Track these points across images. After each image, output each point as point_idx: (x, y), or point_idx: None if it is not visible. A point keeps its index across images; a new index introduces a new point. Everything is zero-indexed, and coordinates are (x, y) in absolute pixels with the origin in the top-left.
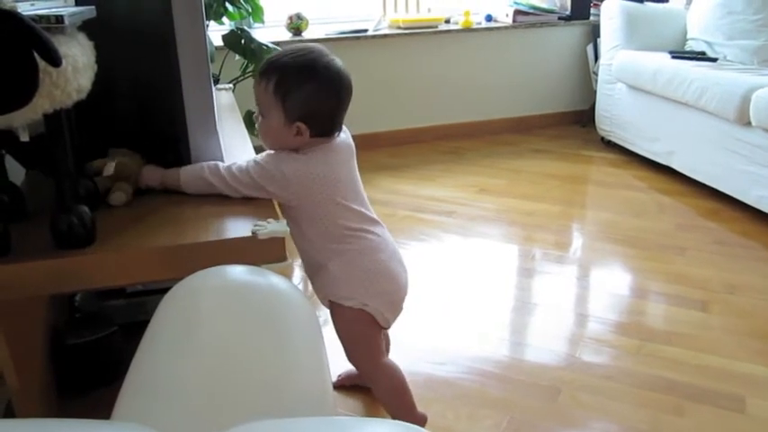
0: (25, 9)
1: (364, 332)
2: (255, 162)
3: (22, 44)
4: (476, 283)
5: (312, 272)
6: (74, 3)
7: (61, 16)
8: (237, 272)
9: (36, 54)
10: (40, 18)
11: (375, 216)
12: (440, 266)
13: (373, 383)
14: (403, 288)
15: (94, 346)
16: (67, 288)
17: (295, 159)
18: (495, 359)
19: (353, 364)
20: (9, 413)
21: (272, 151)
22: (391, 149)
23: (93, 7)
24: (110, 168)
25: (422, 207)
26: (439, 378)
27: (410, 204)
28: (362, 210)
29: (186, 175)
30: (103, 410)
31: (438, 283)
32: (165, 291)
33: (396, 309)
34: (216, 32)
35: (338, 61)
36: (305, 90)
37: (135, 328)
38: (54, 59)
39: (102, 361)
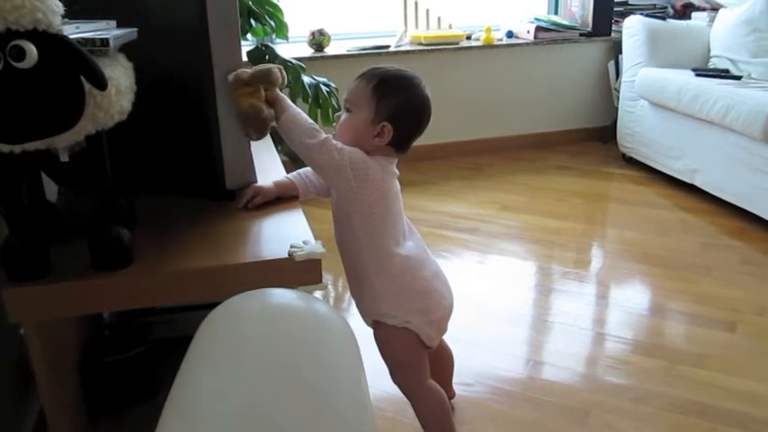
0: (70, 32)
1: (408, 352)
2: (344, 146)
3: (71, 68)
4: (501, 302)
5: (357, 288)
6: (115, 24)
7: (107, 39)
8: (279, 295)
9: (83, 78)
10: (86, 41)
11: (416, 231)
12: (463, 284)
13: (415, 405)
14: (446, 307)
15: (127, 364)
16: (105, 308)
17: (375, 160)
18: (523, 380)
19: (397, 384)
20: (38, 429)
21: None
22: (412, 165)
23: (135, 30)
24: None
25: (444, 224)
26: (467, 399)
27: (432, 221)
28: (405, 226)
29: (295, 113)
30: (135, 428)
31: (463, 301)
32: (195, 308)
33: (439, 328)
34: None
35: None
36: (399, 97)
37: (165, 345)
38: (101, 83)
39: (133, 378)
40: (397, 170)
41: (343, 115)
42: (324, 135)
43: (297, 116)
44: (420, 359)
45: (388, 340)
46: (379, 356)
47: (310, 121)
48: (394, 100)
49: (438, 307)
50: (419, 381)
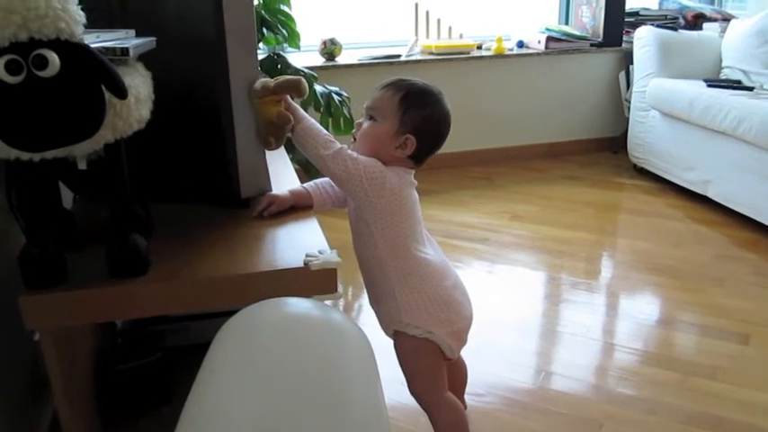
0: (91, 41)
1: (428, 363)
2: (358, 156)
3: (92, 77)
4: (512, 312)
5: (377, 298)
6: (134, 34)
7: (127, 49)
8: (295, 305)
9: (103, 86)
10: (107, 50)
11: (434, 240)
12: (474, 294)
13: (433, 417)
14: (466, 318)
15: (141, 372)
16: (121, 316)
17: (392, 170)
18: (535, 391)
19: (415, 396)
20: None
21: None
22: (422, 174)
23: (154, 39)
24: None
25: (454, 233)
26: (479, 410)
27: (443, 230)
28: (424, 234)
29: (310, 124)
30: None
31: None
32: (208, 316)
33: (460, 339)
34: None
35: None
36: (425, 111)
37: (179, 353)
38: (121, 92)
39: (148, 386)
40: (414, 180)
41: (365, 123)
42: (338, 145)
43: (312, 127)
44: (440, 371)
45: (409, 351)
46: (395, 366)
47: (325, 131)
48: (420, 114)
49: (459, 317)
50: (438, 393)
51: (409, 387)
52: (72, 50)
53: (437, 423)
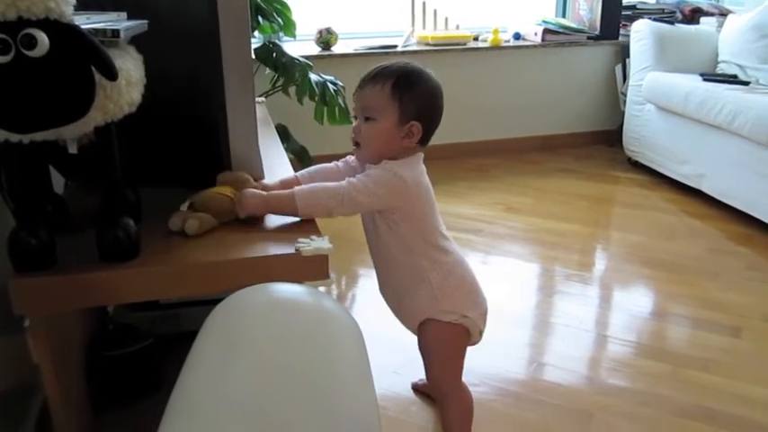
0: (81, 22)
1: (457, 349)
2: (368, 175)
3: (81, 58)
4: (505, 303)
5: (402, 293)
6: (126, 16)
7: (117, 30)
8: (284, 290)
9: (93, 68)
10: (97, 32)
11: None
12: None
13: (446, 403)
14: (486, 300)
15: (131, 359)
16: (111, 301)
17: (405, 164)
18: (527, 382)
19: (434, 382)
20: (41, 425)
21: (378, 166)
22: None
23: (146, 21)
24: (184, 205)
25: (449, 224)
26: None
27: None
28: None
29: (304, 200)
30: (139, 424)
31: None
32: (198, 303)
33: (485, 321)
34: None
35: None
36: (420, 90)
37: (169, 340)
38: (111, 74)
39: (138, 373)
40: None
41: (363, 125)
42: (340, 189)
43: (303, 197)
44: (462, 358)
45: (443, 338)
46: (387, 355)
47: (309, 186)
48: (415, 95)
49: (483, 299)
50: (458, 379)
51: (431, 375)
52: (61, 30)
53: (448, 409)
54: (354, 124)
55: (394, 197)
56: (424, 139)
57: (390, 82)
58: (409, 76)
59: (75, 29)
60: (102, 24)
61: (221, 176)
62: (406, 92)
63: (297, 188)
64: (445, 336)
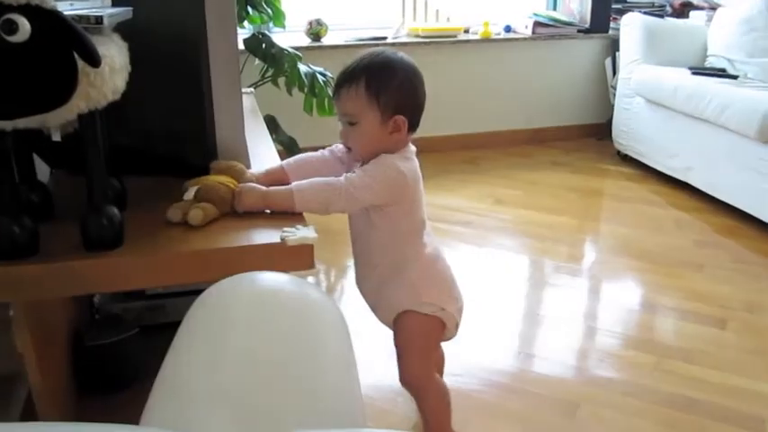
0: (64, 9)
1: (434, 341)
2: (366, 170)
3: (63, 44)
4: (493, 295)
5: (381, 284)
6: (110, 3)
7: (101, 17)
8: (269, 278)
9: (76, 54)
10: (80, 18)
11: None
12: (457, 277)
13: (425, 396)
14: (461, 295)
15: (116, 348)
16: (95, 289)
17: (404, 157)
18: (513, 372)
19: (410, 378)
20: (26, 413)
21: (375, 160)
22: None
23: (131, 9)
24: (190, 193)
25: (438, 217)
26: (456, 390)
27: (427, 213)
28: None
29: (302, 196)
30: (123, 412)
31: None
32: (184, 294)
33: (461, 317)
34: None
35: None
36: (395, 82)
37: (154, 331)
38: (94, 60)
39: (122, 363)
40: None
41: (349, 130)
42: (339, 185)
43: (302, 192)
44: (435, 351)
45: (418, 330)
46: (373, 348)
47: (308, 181)
48: (392, 89)
49: (460, 296)
50: (430, 374)
51: (403, 368)
52: (43, 16)
53: (425, 403)
54: (341, 129)
55: (394, 193)
56: (414, 126)
57: (363, 83)
58: (380, 70)
59: (56, 14)
60: (85, 11)
61: (215, 164)
62: (381, 89)
63: (295, 184)
64: (424, 327)
